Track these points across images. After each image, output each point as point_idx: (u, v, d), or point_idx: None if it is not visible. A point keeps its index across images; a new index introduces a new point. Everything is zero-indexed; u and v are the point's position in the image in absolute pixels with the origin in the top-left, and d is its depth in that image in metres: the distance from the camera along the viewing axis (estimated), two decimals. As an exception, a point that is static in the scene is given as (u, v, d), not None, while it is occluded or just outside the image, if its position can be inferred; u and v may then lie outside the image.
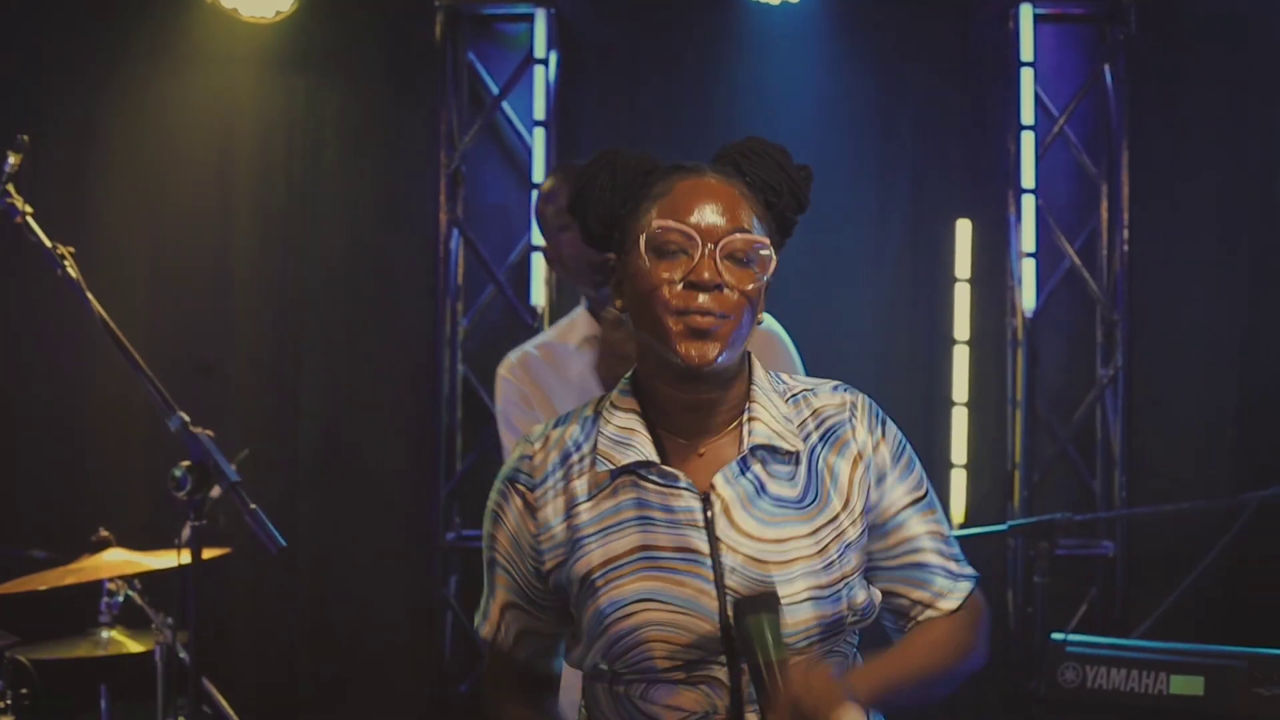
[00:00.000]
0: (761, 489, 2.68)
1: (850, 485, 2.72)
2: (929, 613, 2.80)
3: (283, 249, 6.98)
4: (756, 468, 2.69)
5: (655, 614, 2.61)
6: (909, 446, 2.81)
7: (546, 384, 4.25)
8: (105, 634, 5.33)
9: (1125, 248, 6.71)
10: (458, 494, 6.82)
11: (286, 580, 6.76)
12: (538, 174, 6.79)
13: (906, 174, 6.88)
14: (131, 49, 6.91)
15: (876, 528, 2.75)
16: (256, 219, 6.98)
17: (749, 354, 2.75)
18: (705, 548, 2.63)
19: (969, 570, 2.84)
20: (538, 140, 6.81)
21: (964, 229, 6.80)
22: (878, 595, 2.77)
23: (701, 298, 2.58)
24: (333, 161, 7.00)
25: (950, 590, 2.79)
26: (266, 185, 6.98)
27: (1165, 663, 4.64)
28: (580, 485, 2.70)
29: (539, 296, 6.76)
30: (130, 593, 5.28)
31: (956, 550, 2.82)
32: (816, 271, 6.61)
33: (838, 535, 2.68)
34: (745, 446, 2.67)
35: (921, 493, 2.79)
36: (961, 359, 6.77)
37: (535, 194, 6.70)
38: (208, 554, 4.18)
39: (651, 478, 2.68)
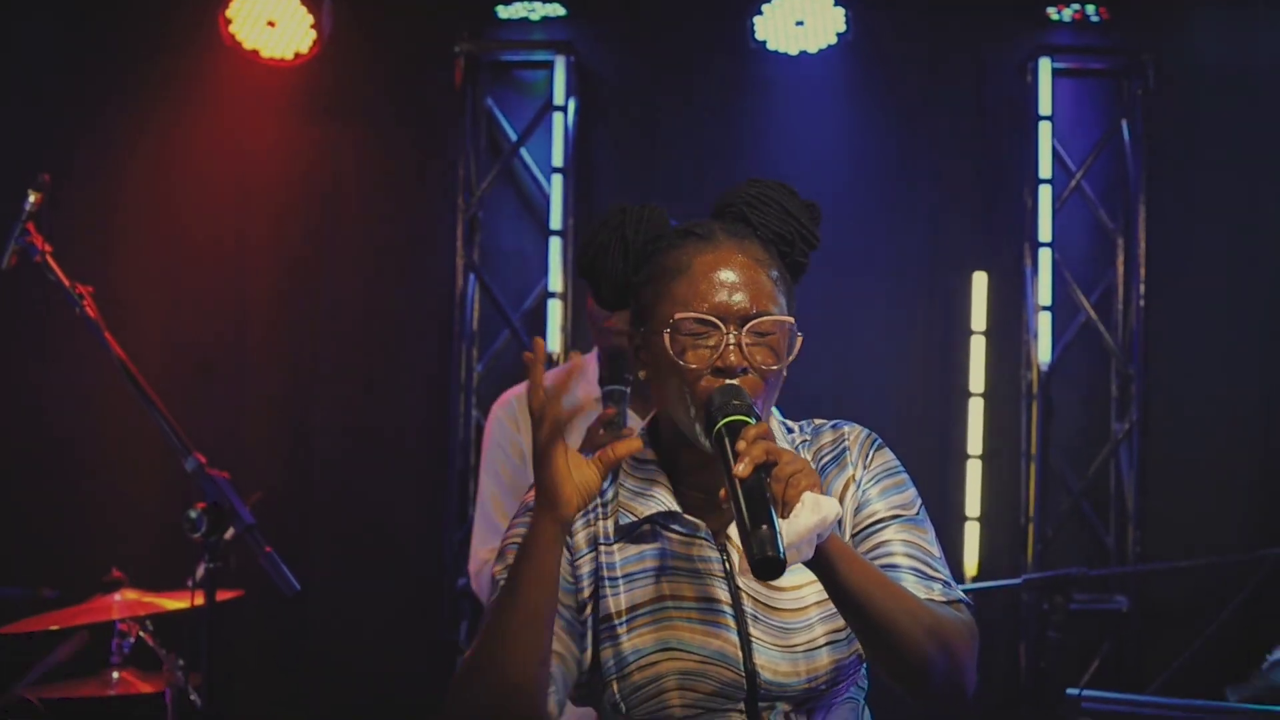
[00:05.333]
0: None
1: (851, 520, 2.72)
2: None
3: (299, 292, 6.99)
4: None
5: (679, 663, 2.61)
6: (903, 472, 2.79)
7: None
8: (116, 674, 5.30)
9: (1141, 302, 6.70)
10: (469, 539, 6.79)
11: (297, 623, 6.75)
12: (555, 220, 6.79)
13: (923, 226, 6.88)
14: (152, 91, 6.93)
15: (854, 537, 2.72)
16: (274, 261, 6.98)
17: None
18: (727, 597, 2.64)
19: (950, 581, 2.72)
20: (555, 186, 6.81)
21: (980, 281, 6.80)
22: None
23: (728, 383, 2.56)
24: (351, 205, 7.01)
25: (918, 588, 2.66)
26: (284, 228, 6.99)
27: (1181, 719, 4.62)
28: (603, 528, 2.70)
29: (554, 342, 6.76)
30: (142, 634, 5.27)
31: (938, 567, 2.72)
32: (831, 323, 6.60)
33: None
34: None
35: (908, 511, 2.74)
36: (976, 412, 6.76)
37: (556, 242, 6.74)
38: (221, 596, 4.18)
39: (673, 527, 2.68)
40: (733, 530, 2.65)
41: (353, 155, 7.04)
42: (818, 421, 2.84)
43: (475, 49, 6.87)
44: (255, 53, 6.72)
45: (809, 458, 2.74)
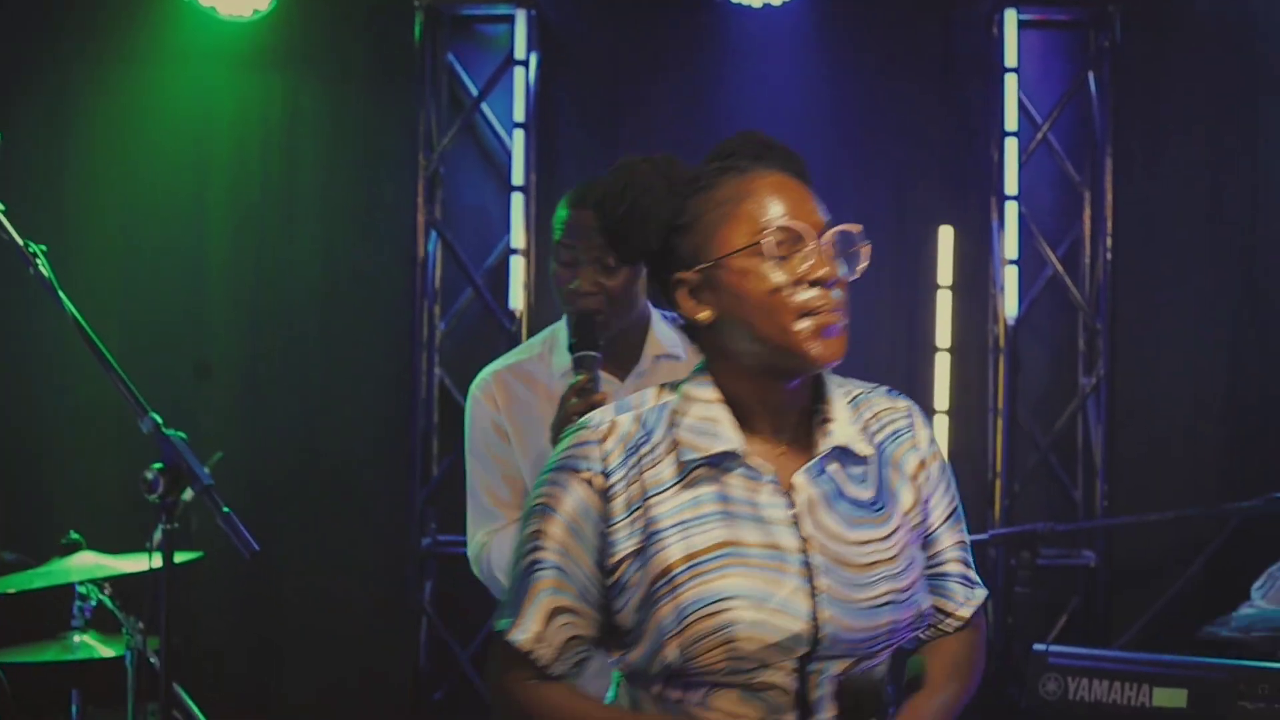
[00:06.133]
0: (840, 491, 2.66)
1: (916, 490, 2.75)
2: (947, 621, 2.83)
3: (259, 249, 6.93)
4: (832, 468, 2.67)
5: (744, 612, 2.54)
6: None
7: (522, 409, 4.13)
8: (77, 638, 5.28)
9: (1108, 255, 6.67)
10: (434, 499, 6.76)
11: (260, 585, 6.70)
12: (517, 176, 6.74)
13: (888, 180, 6.84)
14: (107, 46, 6.86)
15: (923, 538, 2.79)
16: (232, 218, 6.92)
17: None
18: (794, 545, 2.60)
19: (980, 581, 2.87)
20: (517, 142, 6.75)
21: (946, 236, 6.76)
22: (929, 603, 2.78)
23: (826, 294, 2.57)
24: (310, 162, 6.95)
25: (967, 599, 2.85)
26: (243, 185, 6.93)
27: (1148, 674, 4.61)
28: (654, 475, 2.63)
29: (517, 300, 6.70)
30: (101, 597, 5.22)
31: (972, 560, 2.85)
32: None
33: (908, 539, 2.70)
34: (823, 447, 2.65)
35: (955, 505, 2.83)
36: (943, 366, 6.73)
37: (518, 199, 6.68)
38: (180, 558, 4.14)
39: (736, 470, 2.63)
40: (798, 478, 2.64)
41: (312, 112, 6.97)
42: (856, 383, 2.84)
43: (435, 2, 6.80)
44: (213, 8, 6.64)
45: (869, 418, 2.76)
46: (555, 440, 3.84)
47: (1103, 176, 6.71)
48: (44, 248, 4.08)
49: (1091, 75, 6.76)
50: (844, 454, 2.68)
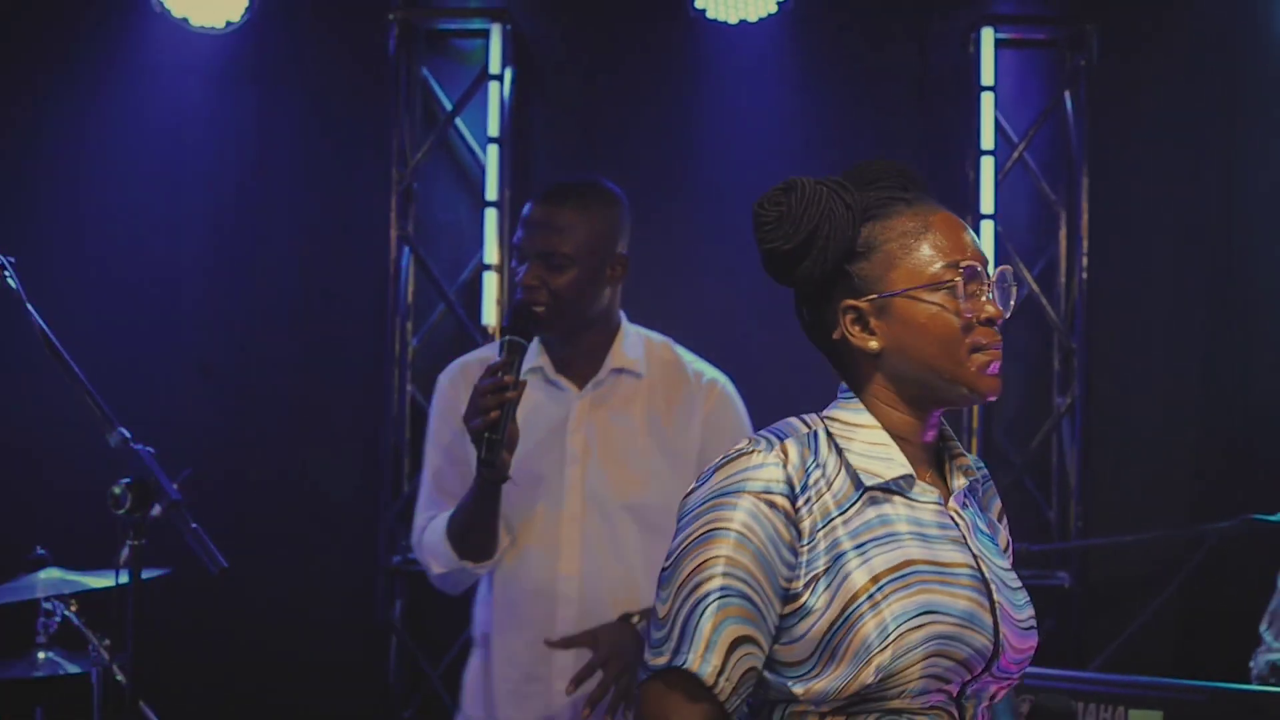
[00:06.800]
0: (979, 516, 2.77)
1: (1005, 534, 2.91)
2: None
3: (232, 262, 6.87)
4: (969, 499, 2.78)
5: (941, 627, 2.55)
6: None
7: None
8: (41, 655, 5.21)
9: (1084, 275, 6.66)
10: (405, 516, 6.70)
11: (229, 601, 6.63)
12: (491, 191, 6.70)
13: (864, 198, 6.82)
14: (79, 57, 6.80)
15: None
16: (206, 231, 6.87)
17: None
18: (969, 562, 2.64)
19: None
20: (491, 157, 6.72)
21: (922, 254, 6.74)
22: None
23: (994, 333, 2.67)
24: (283, 177, 6.90)
25: None
26: (216, 197, 6.88)
27: (1123, 696, 4.57)
28: (832, 498, 2.63)
29: (490, 316, 6.67)
30: (67, 613, 5.17)
31: None
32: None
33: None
34: (961, 477, 2.77)
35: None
36: (918, 386, 6.70)
37: (492, 214, 6.65)
38: (147, 574, 4.10)
39: (899, 494, 2.67)
40: (954, 502, 2.73)
41: (285, 125, 6.93)
42: None
43: (410, 16, 6.77)
44: (185, 20, 6.60)
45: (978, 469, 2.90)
46: (471, 433, 3.95)
47: (1079, 196, 6.70)
48: (12, 259, 4.05)
49: (1068, 95, 6.75)
50: (971, 488, 2.80)
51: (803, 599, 2.57)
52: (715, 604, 2.55)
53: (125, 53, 6.81)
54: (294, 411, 6.87)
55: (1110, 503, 6.69)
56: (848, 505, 2.62)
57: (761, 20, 6.60)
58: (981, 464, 2.89)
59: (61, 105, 6.84)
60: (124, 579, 3.98)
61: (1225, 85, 6.79)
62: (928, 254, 2.66)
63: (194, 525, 3.85)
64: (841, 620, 2.55)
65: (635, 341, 4.39)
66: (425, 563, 4.38)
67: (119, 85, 6.86)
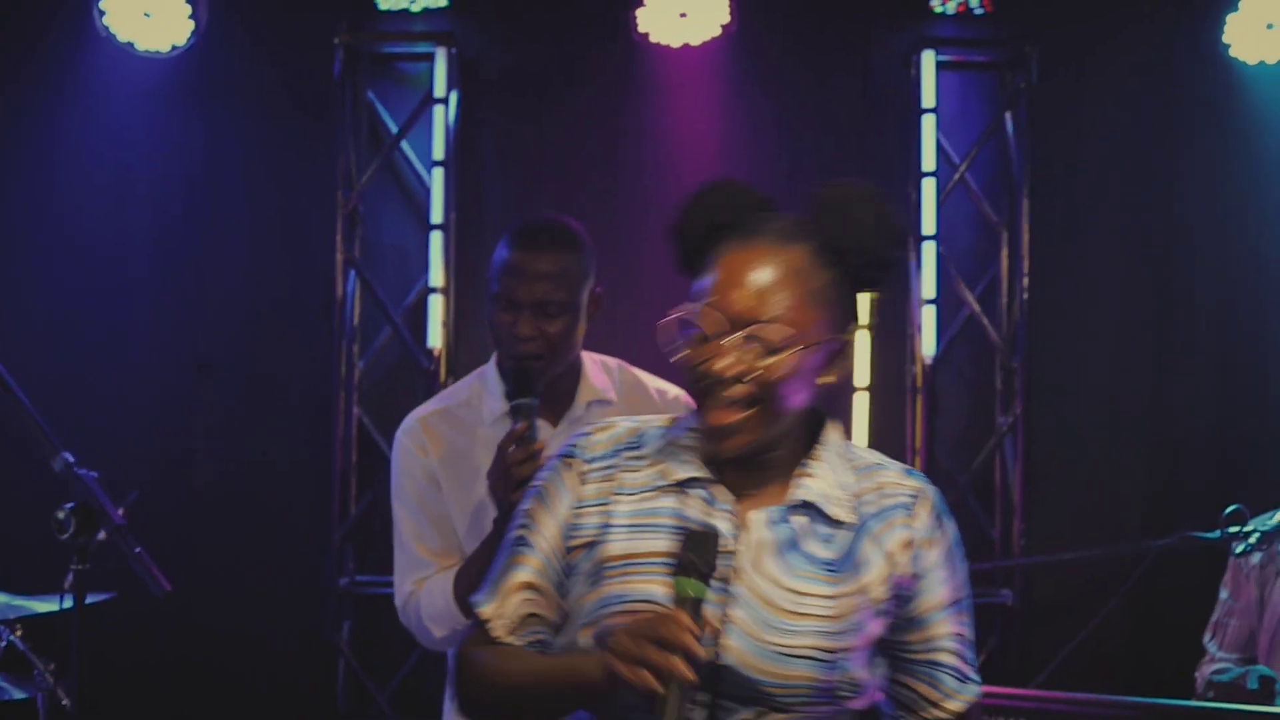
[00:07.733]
0: (795, 542, 2.66)
1: (890, 566, 2.70)
2: (932, 711, 2.78)
3: (179, 285, 6.88)
4: (797, 520, 2.68)
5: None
6: (961, 549, 2.81)
7: (456, 456, 4.03)
8: (-14, 680, 5.21)
9: (1025, 295, 6.72)
10: (352, 538, 6.72)
11: (176, 624, 6.63)
12: (436, 214, 6.72)
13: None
14: (25, 81, 6.81)
15: (909, 621, 2.73)
16: (153, 255, 6.87)
17: (823, 414, 2.86)
18: (721, 571, 2.58)
19: (976, 676, 2.82)
20: (436, 180, 6.74)
21: (864, 275, 6.77)
22: (878, 680, 2.75)
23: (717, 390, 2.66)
24: (230, 200, 6.90)
25: (957, 692, 2.78)
26: (163, 222, 6.88)
27: (1065, 713, 4.60)
28: (629, 479, 2.73)
29: (436, 339, 6.68)
30: (12, 638, 5.15)
31: (971, 655, 2.81)
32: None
33: (859, 608, 2.64)
34: (789, 498, 2.68)
35: (958, 596, 2.78)
36: (861, 406, 6.74)
37: (437, 237, 6.66)
38: (92, 598, 4.09)
39: (698, 493, 2.69)
40: (754, 516, 2.67)
41: (232, 148, 6.93)
42: (878, 455, 2.88)
43: (355, 40, 6.79)
44: (131, 44, 6.61)
45: (872, 488, 2.77)
46: (493, 490, 3.81)
47: (1020, 216, 6.75)
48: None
49: (1009, 116, 6.81)
50: (814, 511, 2.68)
51: (571, 557, 2.73)
52: (511, 552, 2.80)
53: (72, 76, 6.81)
54: (241, 434, 6.87)
55: (1052, 520, 6.73)
56: (639, 490, 2.72)
57: (704, 43, 6.66)
58: (904, 493, 2.76)
59: (8, 128, 6.84)
60: (69, 603, 3.97)
61: (1164, 105, 6.86)
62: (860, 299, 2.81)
63: (137, 549, 3.84)
64: (582, 585, 2.70)
65: (596, 369, 4.34)
66: (423, 629, 4.09)
67: (66, 108, 6.85)
